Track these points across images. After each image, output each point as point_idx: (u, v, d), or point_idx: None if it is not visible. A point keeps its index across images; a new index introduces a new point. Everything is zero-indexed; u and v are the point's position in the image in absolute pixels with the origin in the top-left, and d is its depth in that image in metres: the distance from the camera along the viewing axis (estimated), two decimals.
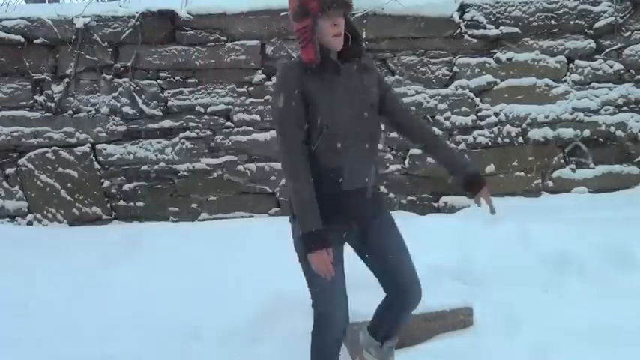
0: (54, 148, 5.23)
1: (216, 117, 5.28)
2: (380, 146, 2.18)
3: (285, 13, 5.13)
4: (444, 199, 5.38)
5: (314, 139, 2.03)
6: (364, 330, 2.48)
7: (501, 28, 5.34)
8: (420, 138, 2.35)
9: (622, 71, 5.45)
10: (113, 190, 5.28)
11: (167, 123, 5.26)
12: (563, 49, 5.42)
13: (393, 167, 5.38)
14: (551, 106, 5.41)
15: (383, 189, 5.36)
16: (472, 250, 3.66)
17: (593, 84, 5.44)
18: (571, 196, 5.40)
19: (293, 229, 2.16)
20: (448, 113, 5.36)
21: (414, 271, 2.25)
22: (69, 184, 5.24)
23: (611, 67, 5.43)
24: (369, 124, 2.11)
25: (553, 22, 5.37)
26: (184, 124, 5.27)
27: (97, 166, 5.27)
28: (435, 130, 1.97)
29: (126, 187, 5.28)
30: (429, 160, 5.32)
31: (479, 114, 5.41)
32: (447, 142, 2.10)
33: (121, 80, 5.20)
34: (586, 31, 5.41)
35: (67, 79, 5.18)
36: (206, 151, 5.30)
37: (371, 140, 2.13)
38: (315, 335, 2.26)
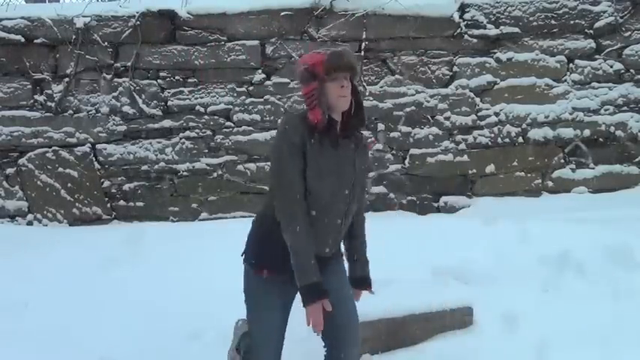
0: (54, 148, 5.23)
1: (216, 117, 5.28)
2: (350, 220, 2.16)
3: (285, 12, 5.14)
4: (444, 199, 5.38)
5: None
6: None
7: (501, 28, 5.34)
8: (351, 232, 2.27)
9: (622, 71, 5.45)
10: (113, 190, 5.29)
11: (167, 123, 5.26)
12: (563, 49, 5.42)
13: (393, 167, 5.38)
14: (551, 106, 5.42)
15: (383, 189, 5.37)
16: (472, 250, 3.66)
17: (593, 84, 5.45)
18: (571, 196, 5.40)
19: (247, 271, 2.18)
20: (448, 113, 5.37)
21: (355, 321, 2.19)
22: (69, 184, 5.24)
23: (611, 67, 5.44)
24: (347, 202, 2.08)
25: (553, 22, 5.37)
26: (184, 124, 5.27)
27: (97, 165, 5.27)
28: (363, 239, 2.10)
29: (126, 186, 5.29)
30: (429, 160, 5.33)
31: (479, 114, 5.41)
32: (364, 252, 2.28)
33: (121, 80, 5.21)
34: (586, 31, 5.41)
35: (67, 79, 5.18)
36: (206, 150, 5.31)
37: (344, 217, 2.10)
38: None
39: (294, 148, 1.96)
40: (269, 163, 5.28)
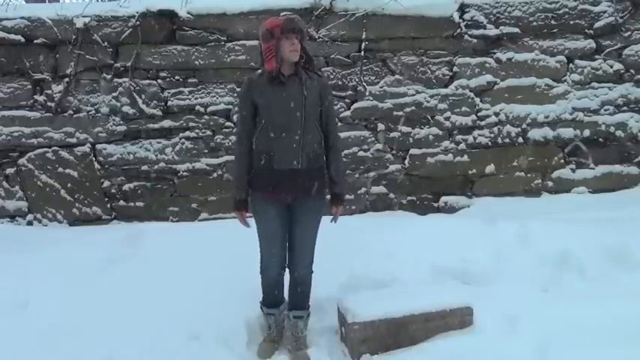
0: (54, 148, 5.23)
1: (216, 117, 5.28)
2: (319, 138, 2.87)
3: (285, 12, 5.14)
4: (444, 199, 5.38)
5: (256, 130, 2.81)
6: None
7: (501, 28, 5.34)
8: (327, 161, 2.93)
9: (622, 71, 5.45)
10: (113, 190, 5.29)
11: (167, 123, 5.26)
12: (563, 49, 5.42)
13: (393, 167, 5.38)
14: (551, 106, 5.42)
15: (383, 189, 5.37)
16: (472, 250, 3.67)
17: (593, 84, 5.45)
18: (571, 196, 5.40)
19: (251, 197, 2.93)
20: (448, 113, 5.37)
21: (305, 246, 2.91)
22: (69, 184, 5.24)
23: (611, 67, 5.44)
24: (301, 121, 2.77)
25: (553, 22, 5.37)
26: (184, 124, 5.27)
27: (97, 166, 5.27)
28: (339, 157, 3.05)
29: (126, 187, 5.29)
30: (429, 160, 5.34)
31: (479, 114, 5.41)
32: (340, 161, 2.99)
33: (121, 80, 5.20)
34: (586, 31, 5.41)
35: (67, 79, 5.18)
36: (206, 151, 5.31)
37: (302, 134, 2.77)
38: (260, 272, 2.99)
39: (244, 98, 2.86)
40: None
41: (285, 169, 2.76)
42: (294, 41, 2.72)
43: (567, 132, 5.43)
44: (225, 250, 3.94)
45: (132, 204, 5.30)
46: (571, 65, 5.46)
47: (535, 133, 5.41)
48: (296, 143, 2.76)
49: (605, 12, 5.39)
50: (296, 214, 2.87)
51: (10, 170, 5.24)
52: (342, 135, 5.30)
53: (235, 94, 5.25)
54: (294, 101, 2.75)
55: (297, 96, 2.76)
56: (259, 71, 2.88)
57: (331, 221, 2.94)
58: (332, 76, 5.24)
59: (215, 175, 5.30)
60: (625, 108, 5.46)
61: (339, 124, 5.28)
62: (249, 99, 2.82)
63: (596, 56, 5.45)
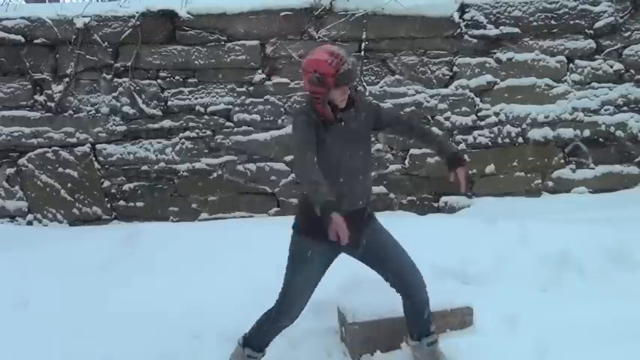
0: (54, 148, 5.23)
1: (216, 117, 5.28)
2: (372, 174, 2.66)
3: (284, 13, 5.14)
4: (444, 199, 5.38)
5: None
6: (407, 340, 2.77)
7: (501, 28, 5.34)
8: (415, 135, 2.75)
9: (622, 71, 5.45)
10: (113, 190, 5.29)
11: (167, 123, 5.26)
12: (563, 49, 5.42)
13: (393, 167, 5.38)
14: (551, 106, 5.42)
15: (383, 189, 5.37)
16: (472, 250, 3.66)
17: (593, 84, 5.45)
18: (571, 196, 5.40)
19: (294, 237, 2.59)
20: (448, 113, 5.37)
21: (412, 265, 2.61)
22: (69, 184, 5.24)
23: (611, 67, 5.44)
24: (363, 159, 2.55)
25: (553, 22, 5.37)
26: (184, 124, 5.27)
27: (97, 166, 5.27)
28: (430, 127, 2.74)
29: (126, 187, 5.29)
30: (429, 160, 5.33)
31: (479, 114, 5.41)
32: (436, 134, 2.86)
33: (121, 80, 5.20)
34: (586, 31, 5.41)
35: (67, 79, 5.18)
36: (206, 151, 5.31)
37: (364, 172, 2.56)
38: (271, 318, 2.64)
39: (306, 122, 2.40)
40: (269, 164, 5.31)
41: (352, 209, 2.48)
42: (346, 91, 2.43)
43: (567, 132, 5.43)
44: (225, 250, 3.95)
45: (132, 204, 5.30)
46: (571, 65, 5.46)
47: (535, 133, 5.41)
48: (360, 184, 2.55)
49: (605, 12, 5.39)
50: (370, 244, 2.59)
51: (10, 170, 5.24)
52: None
53: (235, 94, 5.25)
54: (353, 138, 2.50)
55: (355, 134, 2.52)
56: (308, 106, 2.50)
57: (464, 191, 2.72)
58: None
59: (215, 175, 5.30)
60: (625, 108, 5.46)
61: None
62: (311, 124, 2.43)
63: (596, 56, 5.44)
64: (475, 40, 5.35)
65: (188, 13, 5.15)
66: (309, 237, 2.51)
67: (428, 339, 2.67)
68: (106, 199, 5.30)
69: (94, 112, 5.24)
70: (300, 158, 2.38)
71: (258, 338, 2.68)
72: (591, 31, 5.41)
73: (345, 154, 2.47)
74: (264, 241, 4.10)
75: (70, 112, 5.23)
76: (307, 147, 2.38)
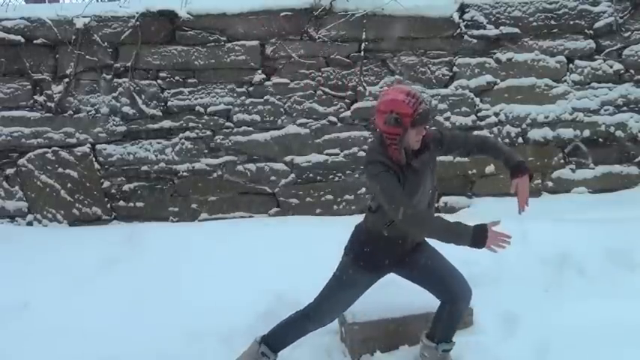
0: (54, 148, 5.23)
1: (216, 117, 5.28)
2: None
3: (284, 13, 5.14)
4: (444, 199, 5.38)
5: (387, 218, 2.45)
6: (422, 336, 2.78)
7: (501, 28, 5.34)
8: (486, 152, 2.71)
9: (622, 71, 5.45)
10: (113, 190, 5.29)
11: (167, 123, 5.25)
12: (563, 49, 5.42)
13: None
14: (551, 106, 5.42)
15: None
16: (472, 251, 3.65)
17: (593, 84, 5.45)
18: (571, 196, 5.40)
19: (345, 261, 2.67)
20: (448, 113, 5.37)
21: (460, 276, 2.66)
22: (69, 184, 5.24)
23: (611, 67, 5.44)
24: (431, 196, 2.59)
25: (553, 22, 5.37)
26: (184, 124, 5.27)
27: (97, 166, 5.27)
28: (495, 139, 2.88)
29: (126, 187, 5.29)
30: None
31: (479, 114, 5.41)
32: (502, 146, 2.73)
33: (120, 80, 5.20)
34: (586, 31, 5.41)
35: (67, 79, 5.17)
36: (206, 151, 5.30)
37: (432, 204, 2.63)
38: (300, 323, 2.69)
39: (387, 172, 2.37)
40: (269, 164, 5.31)
41: (411, 240, 2.60)
42: (422, 132, 2.42)
43: (567, 132, 5.43)
44: (225, 250, 3.95)
45: (132, 204, 5.29)
46: (571, 65, 5.46)
47: (535, 134, 5.41)
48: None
49: (605, 12, 5.39)
50: (417, 258, 2.66)
51: (10, 170, 5.24)
52: (342, 135, 5.31)
53: (235, 94, 5.25)
54: (426, 179, 2.51)
55: (427, 175, 2.52)
56: (380, 146, 2.47)
57: (520, 209, 2.61)
58: (332, 76, 5.24)
59: (215, 175, 5.30)
60: (625, 108, 5.46)
61: (339, 124, 5.29)
62: (392, 173, 2.40)
63: (596, 56, 5.44)
64: (475, 41, 5.34)
65: (188, 13, 5.14)
66: (366, 271, 2.60)
67: (445, 346, 2.69)
68: (106, 199, 5.30)
69: (93, 112, 5.24)
70: (409, 214, 2.32)
71: (279, 338, 2.71)
72: (591, 32, 5.41)
73: (417, 194, 2.46)
74: (264, 242, 4.11)
75: (70, 112, 5.23)
76: (407, 200, 2.35)
